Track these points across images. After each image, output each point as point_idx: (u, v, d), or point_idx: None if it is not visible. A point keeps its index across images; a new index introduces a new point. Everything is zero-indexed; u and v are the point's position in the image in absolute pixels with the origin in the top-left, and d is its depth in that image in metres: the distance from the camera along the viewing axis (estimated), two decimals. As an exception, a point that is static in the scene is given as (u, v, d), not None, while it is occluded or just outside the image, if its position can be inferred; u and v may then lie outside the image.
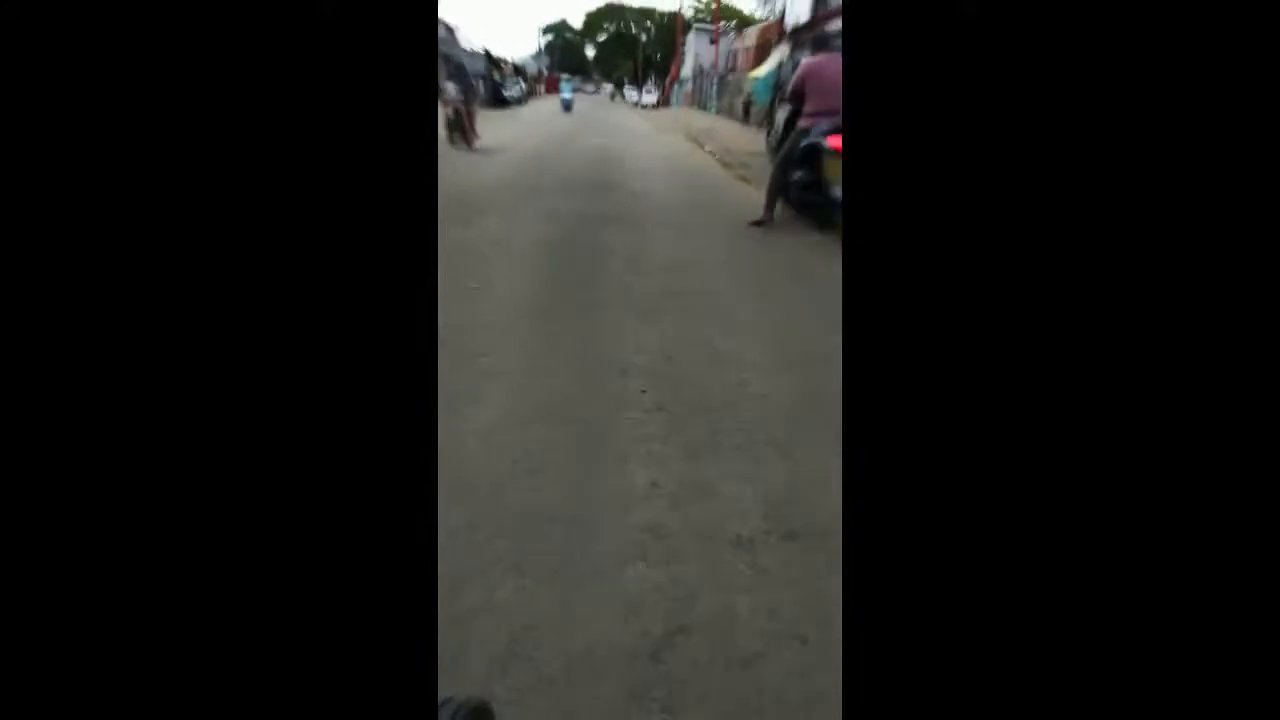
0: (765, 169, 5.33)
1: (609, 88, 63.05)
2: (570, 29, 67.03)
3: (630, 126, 15.80)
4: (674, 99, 37.95)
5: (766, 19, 21.11)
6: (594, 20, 55.33)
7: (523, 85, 31.47)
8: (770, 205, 4.44)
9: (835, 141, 3.88)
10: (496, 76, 25.14)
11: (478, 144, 8.38)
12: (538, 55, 53.65)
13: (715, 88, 21.00)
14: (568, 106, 19.51)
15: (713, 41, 20.94)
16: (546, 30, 73.19)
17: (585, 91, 55.29)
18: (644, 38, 50.26)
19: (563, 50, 72.50)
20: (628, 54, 53.20)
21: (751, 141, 10.04)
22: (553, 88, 55.77)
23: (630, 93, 54.35)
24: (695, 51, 31.37)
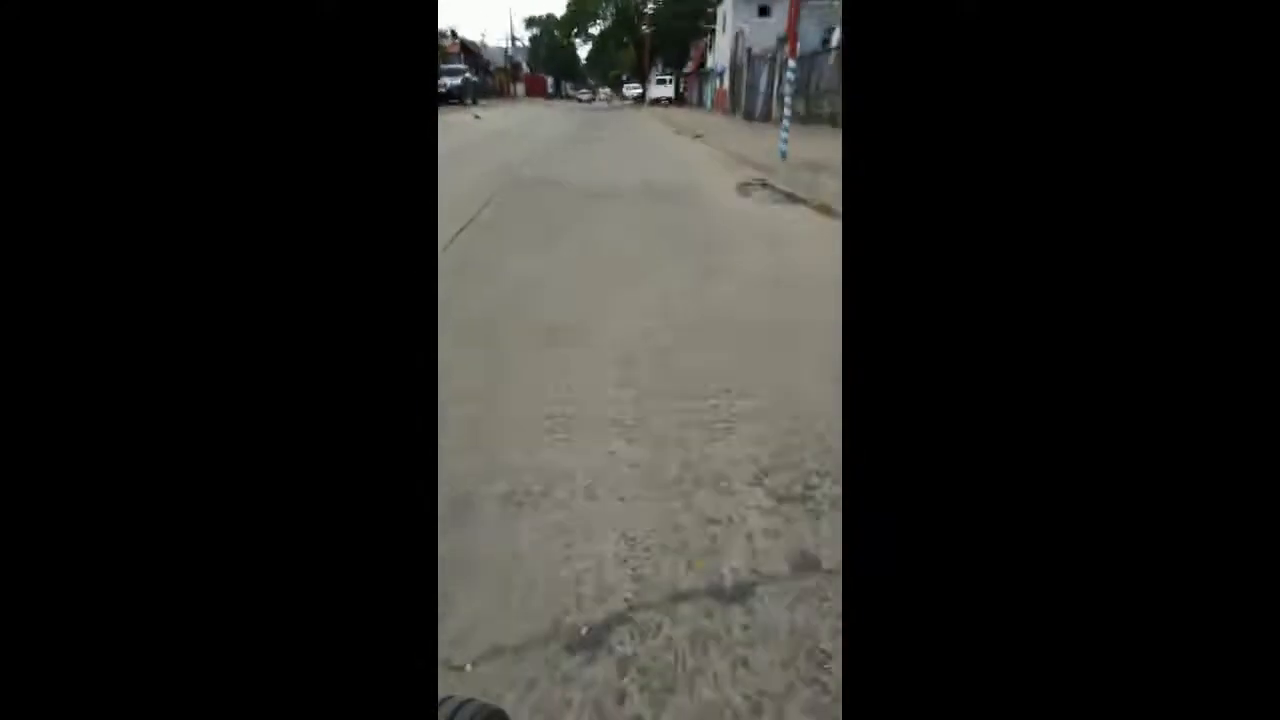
0: None
1: (606, 93, 52.03)
2: (558, 24, 55.53)
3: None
4: (705, 99, 26.12)
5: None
6: (582, 5, 43.78)
7: (467, 72, 19.31)
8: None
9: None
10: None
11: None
12: (514, 49, 42.40)
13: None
14: None
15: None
16: (531, 23, 61.37)
17: (578, 99, 43.98)
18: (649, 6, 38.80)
19: (549, 49, 60.28)
20: (627, 35, 41.93)
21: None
22: (538, 89, 44.11)
23: (631, 90, 43.81)
24: (738, 29, 19.94)
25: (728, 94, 21.41)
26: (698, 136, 10.88)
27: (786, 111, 7.07)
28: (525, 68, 45.20)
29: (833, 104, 11.63)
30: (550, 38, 58.65)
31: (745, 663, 0.94)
